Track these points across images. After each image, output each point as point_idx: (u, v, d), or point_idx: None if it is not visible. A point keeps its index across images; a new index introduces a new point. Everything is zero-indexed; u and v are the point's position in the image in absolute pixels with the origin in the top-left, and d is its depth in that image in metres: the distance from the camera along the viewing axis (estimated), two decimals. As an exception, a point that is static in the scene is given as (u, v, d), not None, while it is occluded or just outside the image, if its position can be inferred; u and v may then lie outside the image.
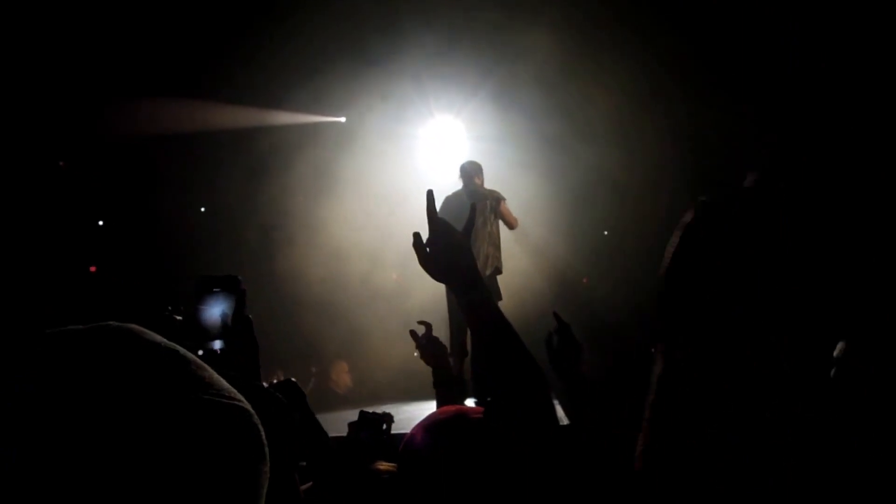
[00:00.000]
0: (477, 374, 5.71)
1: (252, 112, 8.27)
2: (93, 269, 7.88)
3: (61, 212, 7.35)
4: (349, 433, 2.10)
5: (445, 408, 1.30)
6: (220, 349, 1.29)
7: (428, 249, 1.33)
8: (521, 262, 7.53)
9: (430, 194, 1.37)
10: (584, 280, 8.69)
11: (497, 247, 6.05)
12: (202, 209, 8.08)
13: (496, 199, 6.04)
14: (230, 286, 1.32)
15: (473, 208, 1.42)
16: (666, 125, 8.03)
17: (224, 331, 1.30)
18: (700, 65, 7.70)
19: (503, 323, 1.29)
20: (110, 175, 7.84)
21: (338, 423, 5.55)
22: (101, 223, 8.15)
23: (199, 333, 1.30)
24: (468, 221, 1.38)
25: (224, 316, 1.30)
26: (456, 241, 1.32)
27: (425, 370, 2.76)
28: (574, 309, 8.19)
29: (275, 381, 1.79)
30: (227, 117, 8.07)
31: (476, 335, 1.34)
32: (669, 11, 7.58)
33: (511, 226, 6.10)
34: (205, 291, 1.31)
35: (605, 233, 8.91)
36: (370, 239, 7.95)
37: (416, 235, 1.33)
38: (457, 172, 6.24)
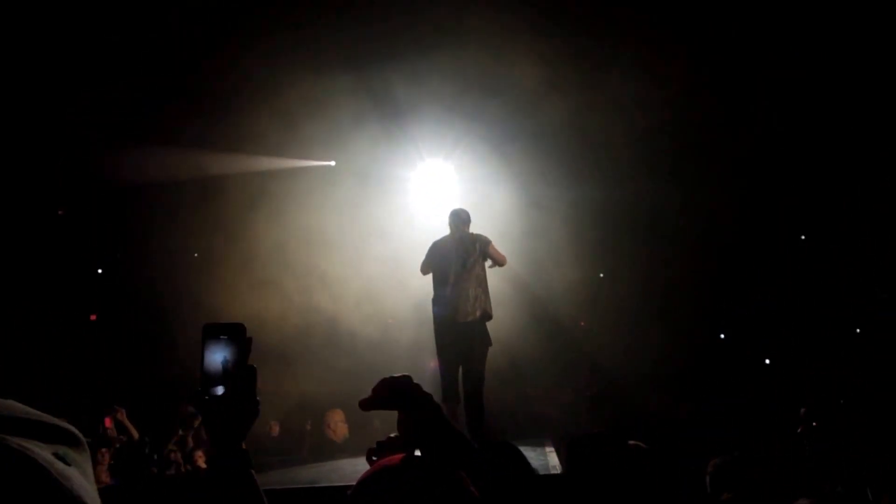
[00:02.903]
0: (472, 419, 5.72)
1: (242, 157, 8.30)
2: (93, 317, 7.82)
3: (61, 259, 7.33)
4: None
5: (390, 458, 1.31)
6: (222, 394, 1.31)
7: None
8: (514, 306, 7.50)
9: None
10: (581, 324, 8.64)
11: (485, 289, 6.19)
12: (195, 254, 8.03)
13: (484, 243, 6.25)
14: (235, 334, 1.35)
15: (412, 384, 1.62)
16: (663, 162, 8.07)
17: (226, 377, 1.32)
18: (697, 96, 7.71)
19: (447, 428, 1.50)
20: (107, 222, 7.84)
21: (336, 471, 5.43)
22: (100, 271, 8.12)
23: (202, 379, 1.32)
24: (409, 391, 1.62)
25: (226, 362, 1.33)
26: (396, 386, 1.49)
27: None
28: (570, 353, 8.14)
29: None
30: (218, 163, 8.11)
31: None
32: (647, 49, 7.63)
33: (501, 263, 6.31)
34: (210, 337, 1.34)
35: (601, 275, 8.88)
36: (362, 285, 7.92)
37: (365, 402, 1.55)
38: (446, 216, 6.41)
